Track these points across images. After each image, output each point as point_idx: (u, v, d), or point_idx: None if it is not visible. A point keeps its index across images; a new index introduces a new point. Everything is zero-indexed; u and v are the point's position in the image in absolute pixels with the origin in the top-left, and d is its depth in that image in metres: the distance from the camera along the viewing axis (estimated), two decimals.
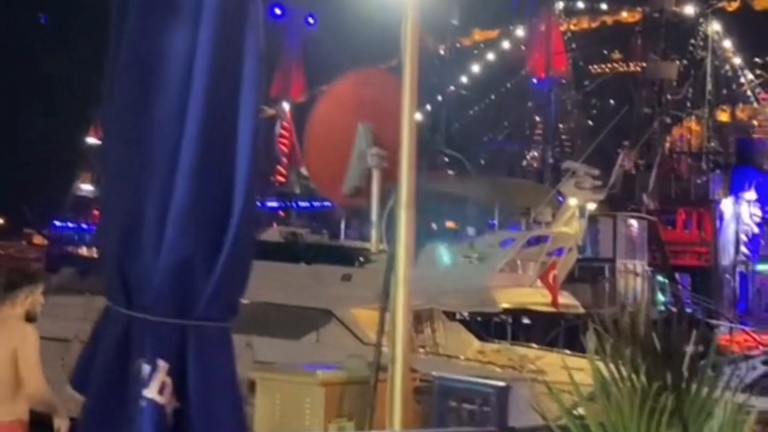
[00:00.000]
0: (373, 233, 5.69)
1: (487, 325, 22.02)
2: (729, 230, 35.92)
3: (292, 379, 6.00)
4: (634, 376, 3.34)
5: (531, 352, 16.47)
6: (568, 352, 17.21)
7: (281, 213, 35.46)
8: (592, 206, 17.19)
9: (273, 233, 18.15)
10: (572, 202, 16.44)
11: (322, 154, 5.55)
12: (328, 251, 16.95)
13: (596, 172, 17.04)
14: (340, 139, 5.46)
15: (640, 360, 3.34)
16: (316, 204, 29.75)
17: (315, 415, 5.63)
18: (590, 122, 54.75)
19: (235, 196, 3.11)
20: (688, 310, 31.33)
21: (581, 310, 17.42)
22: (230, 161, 3.12)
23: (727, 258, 35.70)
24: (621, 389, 3.33)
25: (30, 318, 6.37)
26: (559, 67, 44.15)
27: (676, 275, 32.43)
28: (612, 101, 52.67)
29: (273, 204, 35.70)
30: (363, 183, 5.52)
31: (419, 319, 16.81)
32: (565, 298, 17.16)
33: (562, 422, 3.32)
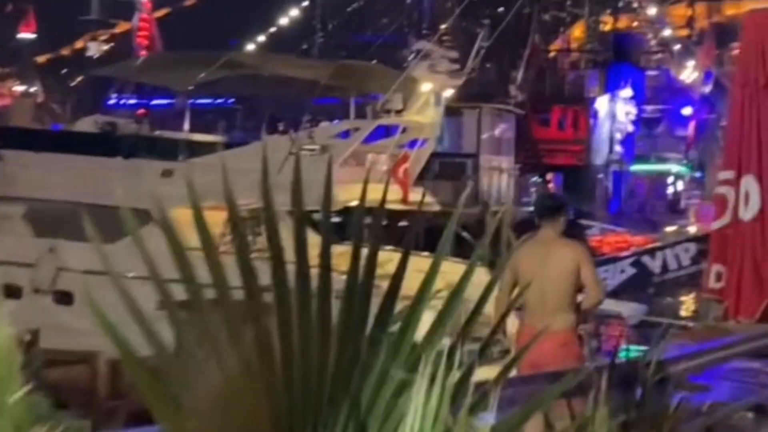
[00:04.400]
0: None
1: (344, 227, 20.49)
2: (603, 129, 35.05)
3: None
4: None
5: (380, 254, 14.94)
6: (425, 254, 15.78)
7: (141, 111, 33.13)
8: (449, 93, 15.54)
9: (87, 123, 16.02)
10: (425, 87, 14.77)
11: None
12: (148, 144, 14.94)
13: (454, 54, 15.36)
14: None
15: None
16: (173, 101, 27.66)
17: None
18: (479, 29, 53.33)
19: None
20: None
21: (436, 208, 15.92)
22: None
23: (600, 157, 34.90)
24: None
25: None
26: None
27: (548, 174, 31.43)
28: (502, 8, 51.28)
29: (132, 101, 33.38)
30: None
31: (256, 221, 15.10)
32: (418, 195, 15.62)
33: None
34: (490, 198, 22.76)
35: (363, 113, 16.73)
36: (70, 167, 14.33)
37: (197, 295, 1.92)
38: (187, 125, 18.95)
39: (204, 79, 16.54)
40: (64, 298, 14.74)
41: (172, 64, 16.99)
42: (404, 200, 14.83)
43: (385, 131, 15.78)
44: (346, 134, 15.57)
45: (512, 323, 7.84)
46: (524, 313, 6.84)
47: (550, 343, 6.28)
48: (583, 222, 28.09)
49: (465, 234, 18.08)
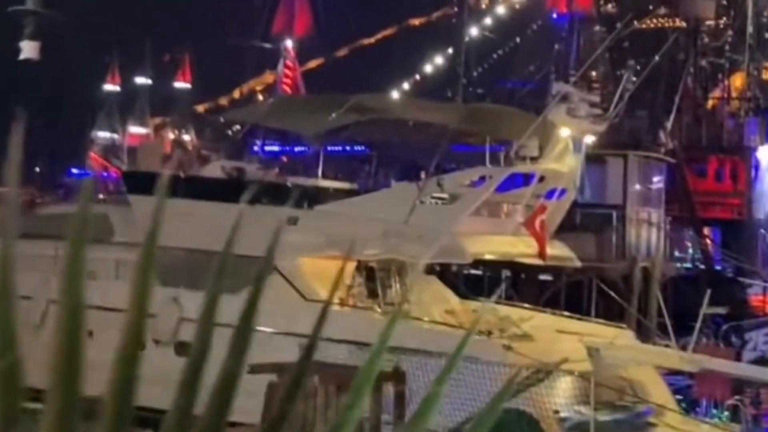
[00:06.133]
0: None
1: (479, 281, 19.45)
2: (765, 180, 32.80)
3: None
4: None
5: (517, 312, 13.90)
6: (566, 313, 14.58)
7: (284, 158, 33.02)
8: (589, 139, 14.36)
9: (214, 169, 15.56)
10: (564, 132, 13.65)
11: None
12: (274, 190, 14.35)
13: (595, 98, 14.20)
14: None
15: None
16: (310, 148, 27.29)
17: None
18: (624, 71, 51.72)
19: None
20: (717, 268, 28.50)
21: (577, 264, 14.71)
22: None
23: (762, 211, 32.61)
24: None
25: None
26: (582, 1, 41.12)
27: (705, 229, 29.52)
28: (656, 56, 49.84)
29: (273, 148, 33.28)
30: None
31: (387, 272, 14.29)
32: (557, 249, 14.47)
33: None
34: (639, 253, 21.24)
35: (498, 160, 15.71)
36: (195, 213, 13.98)
37: None
38: (320, 171, 18.31)
39: (332, 124, 15.89)
40: (184, 349, 14.26)
41: (300, 108, 16.42)
42: (541, 255, 13.72)
43: (522, 180, 14.70)
44: (480, 182, 14.59)
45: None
46: None
47: None
48: (744, 280, 26.20)
49: (610, 291, 16.59)
